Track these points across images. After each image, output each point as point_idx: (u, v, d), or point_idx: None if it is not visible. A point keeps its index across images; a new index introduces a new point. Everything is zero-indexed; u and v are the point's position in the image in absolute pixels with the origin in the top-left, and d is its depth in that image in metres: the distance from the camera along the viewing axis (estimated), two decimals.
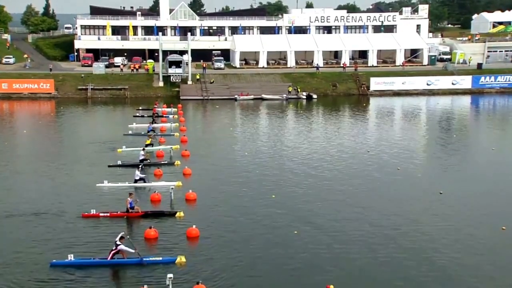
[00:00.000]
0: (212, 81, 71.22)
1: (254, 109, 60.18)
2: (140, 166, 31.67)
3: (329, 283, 17.68)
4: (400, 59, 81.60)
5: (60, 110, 59.80)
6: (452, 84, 71.41)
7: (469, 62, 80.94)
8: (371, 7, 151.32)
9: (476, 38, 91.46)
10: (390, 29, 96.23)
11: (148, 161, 35.13)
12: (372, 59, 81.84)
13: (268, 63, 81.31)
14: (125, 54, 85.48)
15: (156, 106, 58.15)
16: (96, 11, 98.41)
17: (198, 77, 71.81)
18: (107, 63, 79.05)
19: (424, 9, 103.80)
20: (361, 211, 25.39)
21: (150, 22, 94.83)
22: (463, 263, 19.84)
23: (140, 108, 57.55)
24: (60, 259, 19.88)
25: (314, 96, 67.87)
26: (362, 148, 39.26)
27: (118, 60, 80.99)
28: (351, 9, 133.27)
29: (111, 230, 22.81)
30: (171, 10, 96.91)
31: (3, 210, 25.79)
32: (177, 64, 71.62)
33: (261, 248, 21.29)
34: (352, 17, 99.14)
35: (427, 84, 71.31)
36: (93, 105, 64.20)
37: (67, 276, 18.95)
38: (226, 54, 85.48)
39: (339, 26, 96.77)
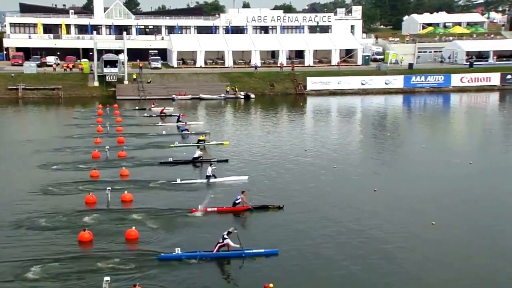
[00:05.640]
0: (149, 80, 70.41)
1: (192, 109, 59.87)
2: (212, 163, 32.00)
3: (268, 282, 17.91)
4: (335, 59, 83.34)
5: None
6: (385, 83, 73.53)
7: (401, 62, 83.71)
8: (306, 7, 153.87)
9: (406, 39, 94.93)
10: (325, 29, 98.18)
11: (201, 158, 34.93)
12: (309, 59, 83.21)
13: (205, 63, 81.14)
14: (58, 53, 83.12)
15: (153, 106, 57.39)
16: (26, 9, 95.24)
17: (134, 76, 70.81)
18: (39, 62, 76.56)
19: (357, 10, 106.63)
20: (296, 208, 25.78)
21: (84, 21, 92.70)
22: (395, 258, 20.49)
23: (152, 107, 56.99)
24: (168, 252, 20.28)
25: (252, 95, 68.29)
26: (299, 147, 39.85)
27: (50, 59, 78.72)
28: (287, 9, 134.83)
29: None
30: (105, 9, 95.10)
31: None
32: (113, 63, 70.41)
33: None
34: (288, 17, 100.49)
35: (362, 84, 73.12)
36: (24, 106, 62.17)
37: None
38: (163, 53, 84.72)
39: (276, 26, 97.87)
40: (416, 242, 21.95)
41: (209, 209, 25.38)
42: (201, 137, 40.56)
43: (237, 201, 25.73)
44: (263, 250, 20.68)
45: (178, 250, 20.25)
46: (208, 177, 30.52)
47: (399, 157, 37.94)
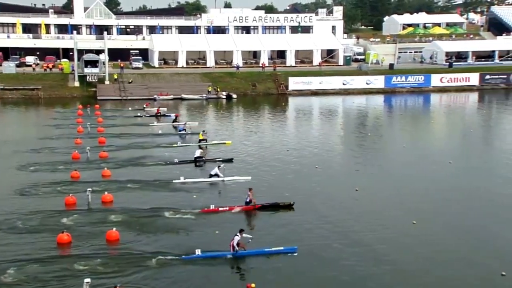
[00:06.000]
0: (130, 81, 69.98)
1: (173, 109, 59.48)
2: (220, 163, 32.19)
3: (250, 282, 17.92)
4: (317, 59, 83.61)
5: None
6: (366, 83, 73.91)
7: (382, 63, 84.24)
8: (288, 8, 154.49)
9: (387, 39, 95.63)
10: (307, 29, 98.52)
11: (203, 158, 34.90)
12: (290, 59, 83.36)
13: (187, 63, 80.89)
14: (38, 53, 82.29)
15: (146, 106, 57.39)
16: (4, 8, 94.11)
17: (115, 77, 70.32)
18: (18, 62, 75.77)
19: (338, 11, 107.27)
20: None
21: (64, 20, 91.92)
22: (375, 257, 20.59)
23: (145, 107, 56.91)
24: (189, 253, 20.38)
25: (234, 95, 68.21)
26: (281, 147, 39.89)
27: (30, 59, 77.96)
28: (269, 9, 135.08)
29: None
30: (85, 8, 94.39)
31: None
32: (93, 63, 69.86)
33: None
34: (270, 17, 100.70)
35: (343, 84, 73.39)
36: (3, 106, 61.39)
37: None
38: (144, 53, 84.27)
39: (258, 26, 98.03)
40: (396, 240, 22.09)
41: (220, 209, 25.43)
42: (201, 137, 40.56)
43: (247, 200, 25.86)
44: (282, 248, 20.79)
45: (198, 252, 20.29)
46: (211, 176, 30.66)
47: (381, 157, 38.09)
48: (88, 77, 69.03)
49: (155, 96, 65.79)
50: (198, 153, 35.28)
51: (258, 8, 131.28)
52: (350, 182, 30.44)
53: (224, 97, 67.75)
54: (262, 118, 55.83)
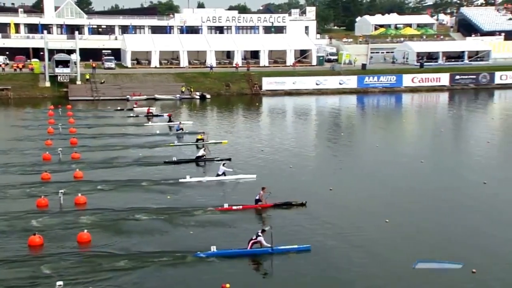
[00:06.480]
0: (102, 81, 69.31)
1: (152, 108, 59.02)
2: (224, 162, 32.17)
3: (225, 283, 17.87)
4: (290, 59, 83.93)
5: None
6: (339, 84, 74.44)
7: (354, 63, 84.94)
8: (261, 8, 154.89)
9: (359, 39, 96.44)
10: (280, 30, 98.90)
11: (205, 157, 34.90)
12: (264, 59, 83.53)
13: (160, 63, 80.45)
14: (7, 52, 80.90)
15: (136, 106, 57.29)
16: None
17: (87, 77, 69.56)
18: None
19: (311, 11, 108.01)
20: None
21: (34, 20, 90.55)
22: (348, 255, 20.68)
23: (135, 106, 56.79)
24: (203, 250, 20.32)
25: (208, 96, 68.08)
26: (255, 147, 39.90)
27: None
28: (242, 9, 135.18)
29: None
30: (56, 8, 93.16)
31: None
32: (65, 63, 69.06)
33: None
34: (243, 17, 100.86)
35: (316, 84, 73.82)
36: None
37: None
38: (116, 53, 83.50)
39: (231, 26, 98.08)
40: (369, 238, 22.27)
41: (234, 207, 25.40)
42: (199, 136, 40.67)
43: (257, 198, 25.85)
44: (296, 246, 20.81)
45: (213, 248, 20.25)
46: (218, 175, 30.71)
47: (354, 156, 38.38)
48: (59, 77, 68.20)
49: (127, 96, 65.25)
50: (200, 152, 35.58)
51: (231, 8, 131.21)
52: (324, 181, 30.62)
53: (198, 97, 67.58)
54: (235, 118, 55.83)
